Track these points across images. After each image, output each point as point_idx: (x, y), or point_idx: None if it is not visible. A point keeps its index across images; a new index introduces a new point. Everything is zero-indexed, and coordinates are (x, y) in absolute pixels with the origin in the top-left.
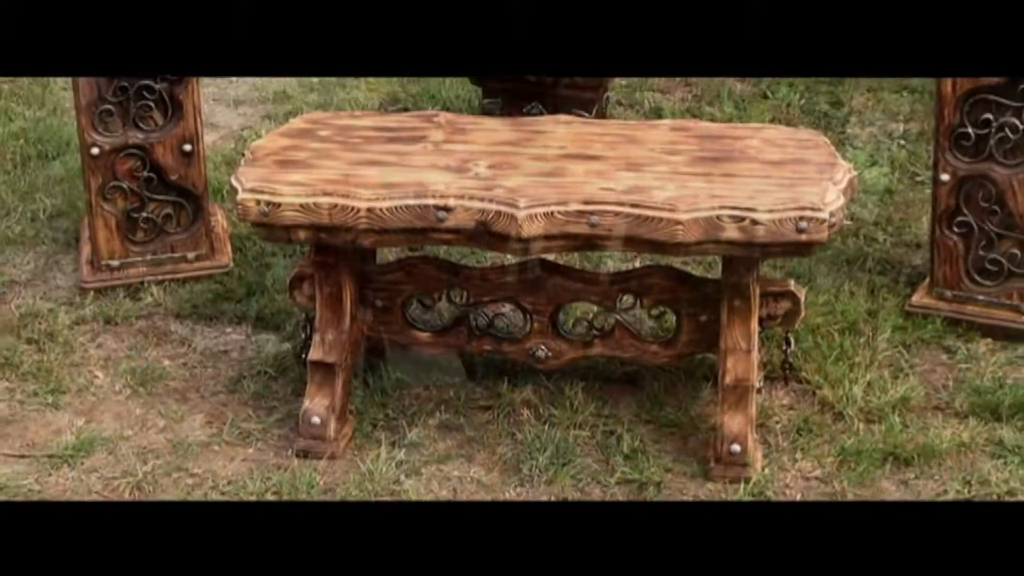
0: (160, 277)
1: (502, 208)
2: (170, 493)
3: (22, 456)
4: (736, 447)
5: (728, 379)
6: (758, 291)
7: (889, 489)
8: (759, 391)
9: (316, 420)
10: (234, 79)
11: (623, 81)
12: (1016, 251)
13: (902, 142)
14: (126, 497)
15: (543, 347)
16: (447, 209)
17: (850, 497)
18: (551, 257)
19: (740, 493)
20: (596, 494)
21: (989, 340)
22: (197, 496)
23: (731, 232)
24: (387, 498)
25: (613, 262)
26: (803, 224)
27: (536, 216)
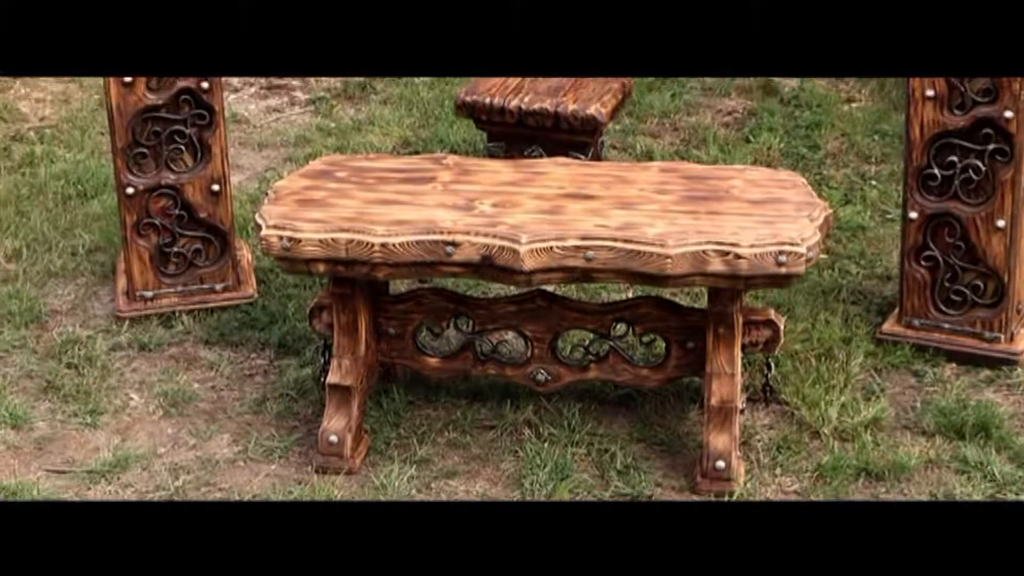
0: (190, 307)
1: (505, 243)
2: None
3: (63, 471)
4: (721, 463)
5: (714, 401)
6: (741, 319)
7: None
8: (742, 412)
9: (334, 439)
10: (258, 124)
11: (617, 125)
12: (979, 283)
13: (874, 182)
14: None
15: (543, 371)
16: (455, 244)
17: None
18: (550, 288)
19: None
20: None
21: (954, 365)
22: None
23: (716, 265)
24: None
25: (607, 293)
26: (783, 258)
27: (536, 251)
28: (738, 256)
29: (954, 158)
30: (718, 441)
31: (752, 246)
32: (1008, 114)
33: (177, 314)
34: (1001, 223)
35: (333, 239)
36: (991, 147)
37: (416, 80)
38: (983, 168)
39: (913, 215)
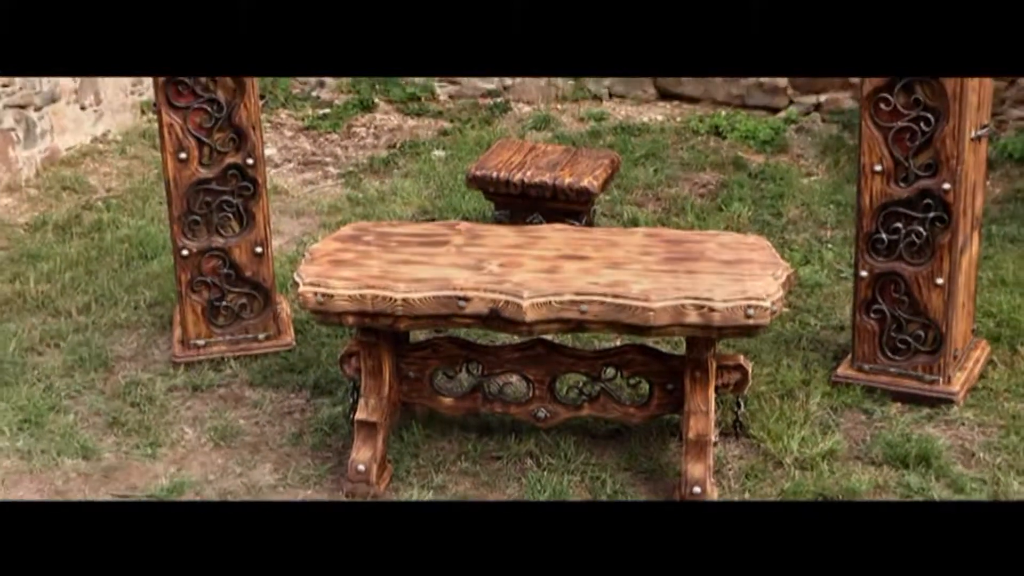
0: (237, 353)
1: (510, 298)
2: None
3: (126, 496)
4: (697, 488)
5: (691, 434)
6: (715, 364)
7: None
8: (715, 444)
9: (362, 467)
10: (296, 195)
11: (607, 196)
12: (920, 332)
13: (830, 245)
14: None
15: (543, 409)
16: (466, 299)
17: None
18: (549, 337)
19: None
20: None
21: (899, 404)
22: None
23: (693, 318)
24: None
25: (599, 341)
26: (751, 311)
27: (537, 305)
28: (712, 309)
29: (899, 224)
30: (695, 469)
31: (725, 301)
32: (946, 186)
33: (225, 359)
34: (940, 281)
35: (361, 295)
36: (931, 215)
37: (432, 156)
38: (924, 233)
39: (864, 274)
